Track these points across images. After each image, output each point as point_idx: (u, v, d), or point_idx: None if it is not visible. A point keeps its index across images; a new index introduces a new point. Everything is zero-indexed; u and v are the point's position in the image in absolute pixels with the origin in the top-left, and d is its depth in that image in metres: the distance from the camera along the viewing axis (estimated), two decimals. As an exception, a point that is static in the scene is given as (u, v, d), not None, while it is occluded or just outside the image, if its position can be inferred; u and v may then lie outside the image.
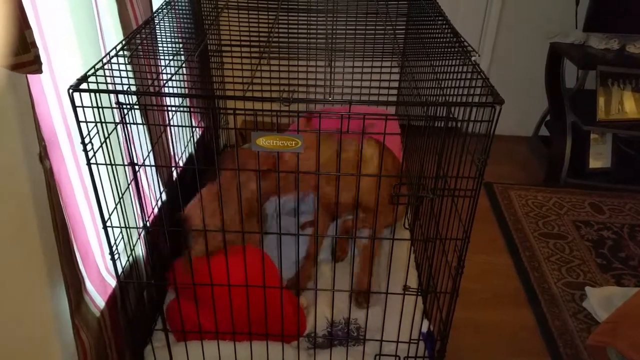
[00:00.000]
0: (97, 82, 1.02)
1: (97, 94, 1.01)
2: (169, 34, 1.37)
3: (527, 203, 2.46)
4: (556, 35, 2.68)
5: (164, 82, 1.21)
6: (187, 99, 1.80)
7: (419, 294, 1.45)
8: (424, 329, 1.39)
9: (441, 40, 1.40)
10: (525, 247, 2.15)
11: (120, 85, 1.09)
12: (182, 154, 1.77)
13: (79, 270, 1.11)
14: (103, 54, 1.20)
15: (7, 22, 0.81)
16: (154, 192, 1.49)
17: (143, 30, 1.27)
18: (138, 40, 1.21)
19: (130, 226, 1.23)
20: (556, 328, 1.75)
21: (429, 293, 1.35)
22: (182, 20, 1.60)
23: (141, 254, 1.38)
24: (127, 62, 1.13)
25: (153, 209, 1.45)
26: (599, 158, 2.68)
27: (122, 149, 1.21)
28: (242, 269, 1.30)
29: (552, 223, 2.31)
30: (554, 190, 2.57)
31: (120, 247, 1.20)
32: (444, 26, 1.43)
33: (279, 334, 1.34)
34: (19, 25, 0.83)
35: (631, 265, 2.07)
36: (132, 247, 1.26)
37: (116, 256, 1.17)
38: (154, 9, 1.52)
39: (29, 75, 0.91)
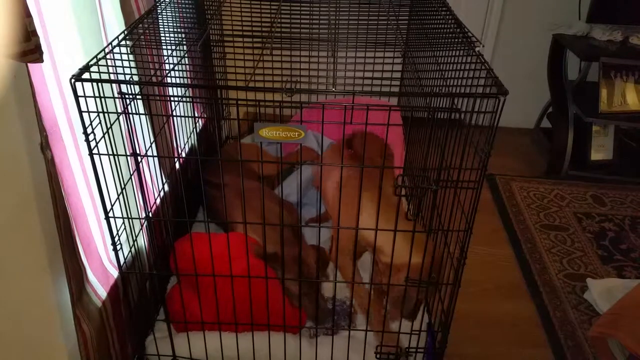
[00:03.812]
0: (99, 72, 1.01)
1: (100, 84, 1.00)
2: (171, 24, 1.36)
3: (529, 195, 2.46)
4: (559, 27, 2.66)
5: (167, 72, 1.21)
6: (190, 90, 1.80)
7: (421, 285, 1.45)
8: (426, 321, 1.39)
9: (444, 30, 1.39)
10: (527, 238, 2.15)
11: (123, 75, 1.09)
12: (184, 144, 1.76)
13: (81, 260, 1.11)
14: (105, 44, 1.20)
15: (8, 10, 0.80)
16: (156, 183, 1.49)
17: (145, 20, 1.27)
18: (140, 30, 1.20)
19: (133, 217, 1.23)
20: (557, 319, 1.76)
21: (431, 284, 1.35)
22: (184, 10, 1.59)
23: (143, 245, 1.38)
24: (129, 51, 1.12)
25: (155, 199, 1.45)
26: (601, 150, 2.67)
27: (125, 139, 1.21)
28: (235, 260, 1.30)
29: (554, 215, 2.31)
30: (555, 182, 2.57)
31: (123, 237, 1.20)
32: (447, 17, 1.42)
33: (278, 324, 1.35)
34: (20, 13, 0.82)
35: (632, 257, 2.07)
36: (134, 238, 1.26)
37: (118, 247, 1.17)
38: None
39: (29, 64, 0.90)
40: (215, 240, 1.30)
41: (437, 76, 1.35)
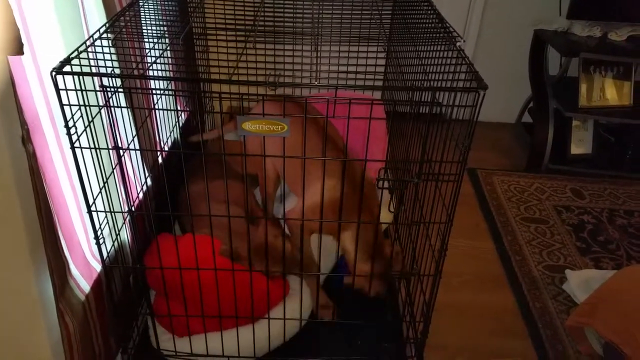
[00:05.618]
0: (80, 65, 1.00)
1: (81, 77, 0.99)
2: (153, 17, 1.35)
3: (510, 188, 2.49)
4: (540, 23, 2.69)
5: (149, 65, 1.20)
6: (172, 83, 1.79)
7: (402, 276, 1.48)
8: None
9: (427, 25, 1.40)
10: (507, 231, 2.19)
11: (104, 68, 1.08)
12: (167, 138, 1.76)
13: (64, 254, 1.11)
14: (86, 37, 1.19)
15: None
16: (138, 177, 1.49)
17: (127, 13, 1.26)
18: (122, 23, 1.20)
19: (115, 210, 1.23)
20: (536, 310, 1.80)
21: (413, 275, 1.37)
22: (166, 2, 1.58)
23: (126, 239, 1.38)
24: (110, 44, 1.11)
25: (138, 193, 1.45)
26: (580, 144, 2.72)
27: (107, 132, 1.20)
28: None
29: (534, 208, 2.35)
30: (536, 175, 2.61)
31: (105, 231, 1.20)
32: (429, 12, 1.43)
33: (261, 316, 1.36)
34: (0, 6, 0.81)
35: (609, 248, 2.12)
36: (117, 232, 1.26)
37: (101, 240, 1.17)
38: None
39: (9, 57, 0.90)
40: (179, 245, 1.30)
41: (419, 70, 1.36)
